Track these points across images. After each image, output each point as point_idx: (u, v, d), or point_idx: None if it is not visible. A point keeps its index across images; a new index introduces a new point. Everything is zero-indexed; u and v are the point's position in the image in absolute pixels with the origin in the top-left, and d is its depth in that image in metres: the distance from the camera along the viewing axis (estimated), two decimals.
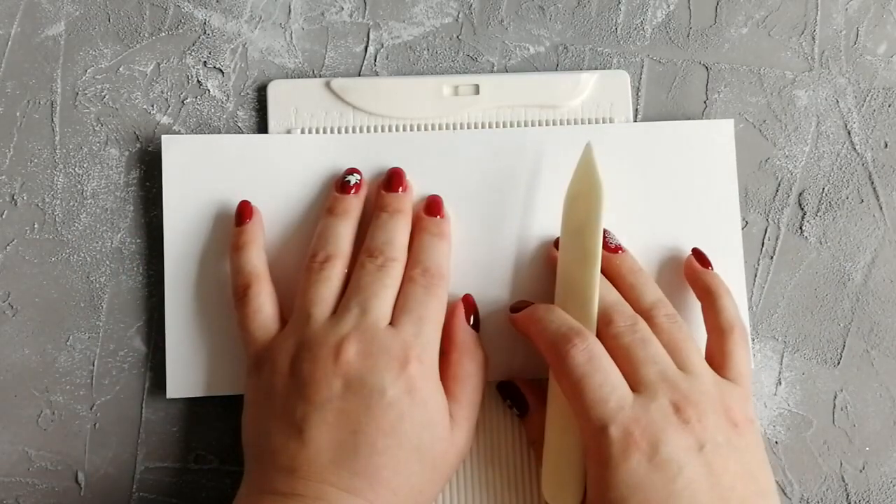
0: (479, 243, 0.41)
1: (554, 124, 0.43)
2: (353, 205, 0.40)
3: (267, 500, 0.34)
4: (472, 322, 0.40)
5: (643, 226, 0.42)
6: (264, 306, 0.38)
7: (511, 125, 0.43)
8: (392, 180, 0.41)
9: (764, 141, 0.44)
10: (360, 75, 0.44)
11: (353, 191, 0.40)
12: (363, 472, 0.34)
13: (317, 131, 0.43)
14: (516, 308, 0.39)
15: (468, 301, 0.40)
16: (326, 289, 0.38)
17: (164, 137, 0.42)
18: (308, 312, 0.37)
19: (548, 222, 0.42)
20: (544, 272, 0.41)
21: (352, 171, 0.41)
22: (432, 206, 0.41)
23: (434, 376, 0.36)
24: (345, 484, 0.34)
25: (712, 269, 0.41)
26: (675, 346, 0.37)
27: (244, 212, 0.40)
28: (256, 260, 0.40)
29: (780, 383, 0.42)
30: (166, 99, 0.43)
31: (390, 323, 0.37)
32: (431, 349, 0.37)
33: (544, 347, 0.37)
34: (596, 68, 0.44)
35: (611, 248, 0.40)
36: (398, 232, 0.39)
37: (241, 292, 0.39)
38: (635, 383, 0.35)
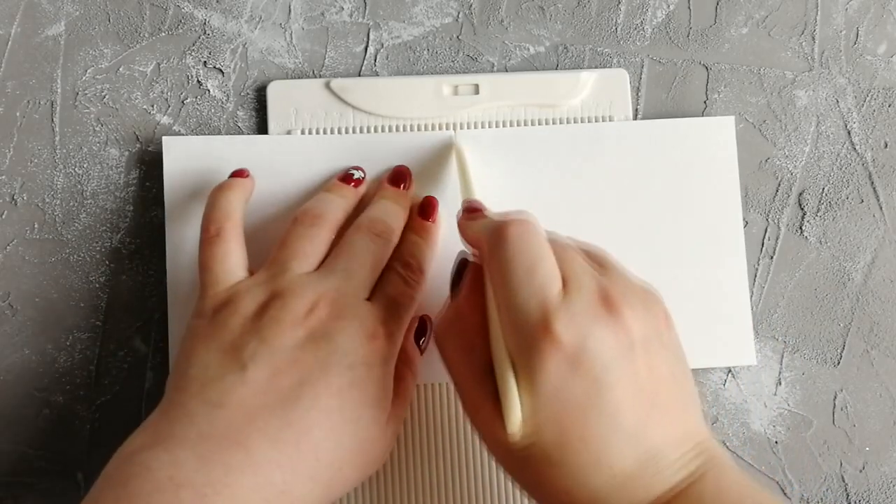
0: None
1: (554, 123, 0.43)
2: (352, 193, 0.40)
3: (175, 446, 0.31)
4: (421, 343, 0.39)
5: (644, 224, 0.42)
6: (235, 251, 0.37)
7: (511, 125, 0.43)
8: (397, 176, 0.41)
9: (764, 141, 0.44)
10: (360, 75, 0.44)
11: (354, 184, 0.41)
12: (297, 423, 0.32)
13: (317, 131, 0.43)
14: (470, 211, 0.36)
15: (423, 322, 0.39)
16: (311, 246, 0.37)
17: (164, 138, 0.42)
18: (287, 265, 0.36)
19: (547, 221, 0.42)
20: None
21: (357, 167, 0.41)
22: (426, 209, 0.41)
23: (392, 362, 0.36)
24: (271, 433, 0.32)
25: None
26: (587, 250, 0.34)
27: (240, 171, 0.40)
28: (237, 204, 0.38)
29: (780, 383, 0.42)
30: (166, 99, 0.43)
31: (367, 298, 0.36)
32: (397, 337, 0.36)
33: (484, 237, 0.33)
34: (596, 68, 0.44)
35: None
36: (397, 217, 0.39)
37: (213, 231, 0.37)
38: (562, 276, 0.32)
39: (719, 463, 0.31)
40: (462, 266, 0.36)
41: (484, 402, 0.32)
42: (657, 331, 0.32)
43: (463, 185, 0.40)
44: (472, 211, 0.36)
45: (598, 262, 0.34)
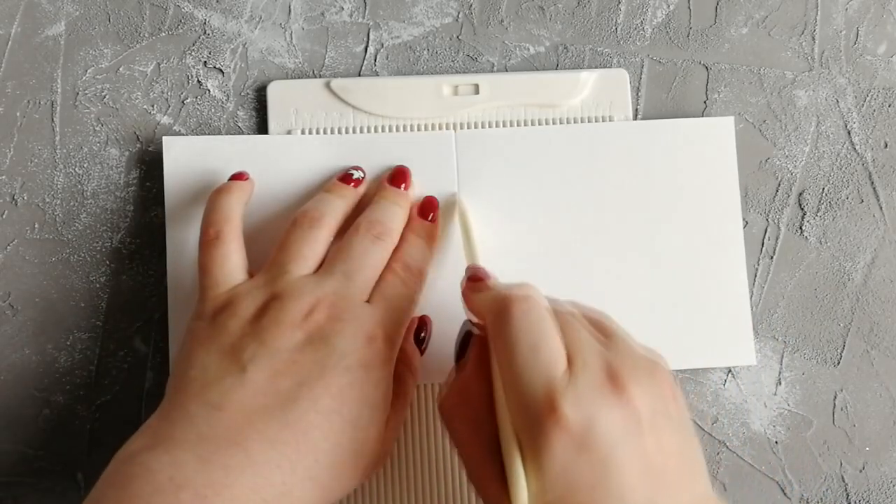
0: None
1: (554, 123, 0.43)
2: (351, 193, 0.40)
3: (175, 447, 0.31)
4: (421, 345, 0.39)
5: (644, 224, 0.42)
6: (234, 254, 0.37)
7: (511, 124, 0.43)
8: (397, 176, 0.41)
9: (764, 141, 0.44)
10: (360, 75, 0.44)
11: (353, 184, 0.41)
12: (295, 424, 0.32)
13: (317, 132, 0.43)
14: (474, 279, 0.36)
15: (422, 322, 0.40)
16: (310, 249, 0.37)
17: (164, 138, 0.42)
18: (286, 268, 0.36)
19: (547, 221, 0.42)
20: (541, 271, 0.41)
21: (357, 167, 0.41)
22: (426, 209, 0.41)
23: (391, 364, 0.36)
24: (271, 434, 0.32)
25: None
26: (590, 317, 0.34)
27: (240, 174, 0.40)
28: (237, 206, 0.39)
29: (780, 383, 0.42)
30: (166, 99, 0.43)
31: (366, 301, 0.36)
32: (397, 339, 0.36)
33: (487, 311, 0.33)
34: (596, 68, 0.44)
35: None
36: (396, 218, 0.39)
37: (212, 233, 0.37)
38: (567, 352, 0.31)
39: None
40: (466, 337, 0.35)
41: (491, 481, 0.32)
42: (664, 404, 0.31)
43: (467, 247, 0.39)
44: (475, 280, 0.35)
45: (602, 330, 0.33)
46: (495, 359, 0.33)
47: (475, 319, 0.35)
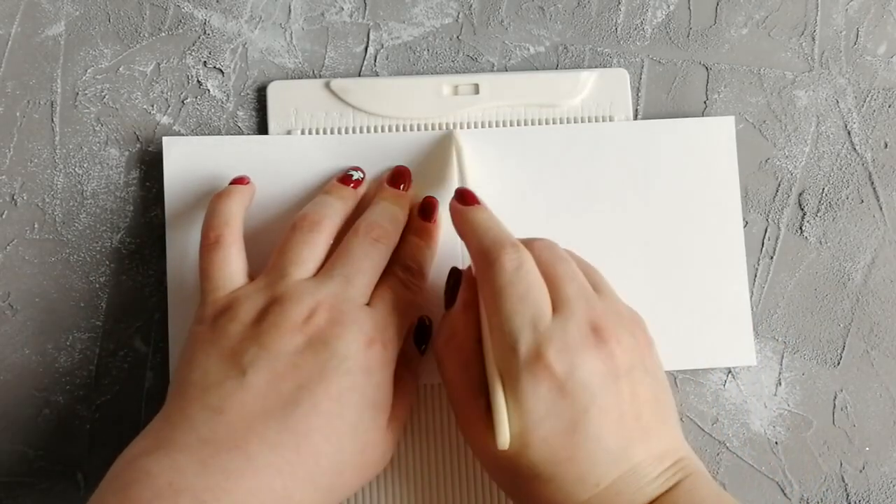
0: None
1: (554, 123, 0.43)
2: (351, 194, 0.40)
3: (176, 451, 0.31)
4: (422, 345, 0.40)
5: (644, 224, 0.42)
6: (234, 257, 0.37)
7: (511, 124, 0.43)
8: (397, 177, 0.41)
9: (764, 141, 0.44)
10: (360, 76, 0.44)
11: (353, 185, 0.41)
12: (295, 427, 0.32)
13: (317, 132, 0.43)
14: (463, 200, 0.37)
15: (423, 324, 0.40)
16: (310, 252, 0.37)
17: (164, 139, 0.42)
18: (286, 271, 0.36)
19: (547, 221, 0.42)
20: None
21: (356, 168, 0.41)
22: (426, 210, 0.41)
23: (391, 366, 0.36)
24: (271, 437, 0.32)
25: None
26: (584, 267, 0.36)
27: (240, 178, 0.40)
28: (237, 210, 0.39)
29: (780, 383, 0.42)
30: (166, 99, 0.43)
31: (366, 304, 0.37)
32: (397, 341, 0.36)
33: (475, 251, 0.35)
34: (596, 68, 0.44)
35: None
36: (396, 219, 0.39)
37: (212, 237, 0.37)
38: (555, 301, 0.34)
39: (696, 476, 0.33)
40: (455, 283, 0.37)
41: (477, 419, 0.34)
42: (641, 357, 0.34)
43: (460, 179, 0.40)
44: (465, 199, 0.37)
45: (592, 282, 0.35)
46: (483, 304, 0.35)
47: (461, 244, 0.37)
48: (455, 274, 0.38)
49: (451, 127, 0.43)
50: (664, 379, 0.35)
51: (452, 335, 0.36)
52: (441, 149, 0.42)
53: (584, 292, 0.34)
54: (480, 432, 0.34)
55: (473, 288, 0.36)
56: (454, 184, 0.42)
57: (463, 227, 0.36)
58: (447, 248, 0.41)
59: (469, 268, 0.37)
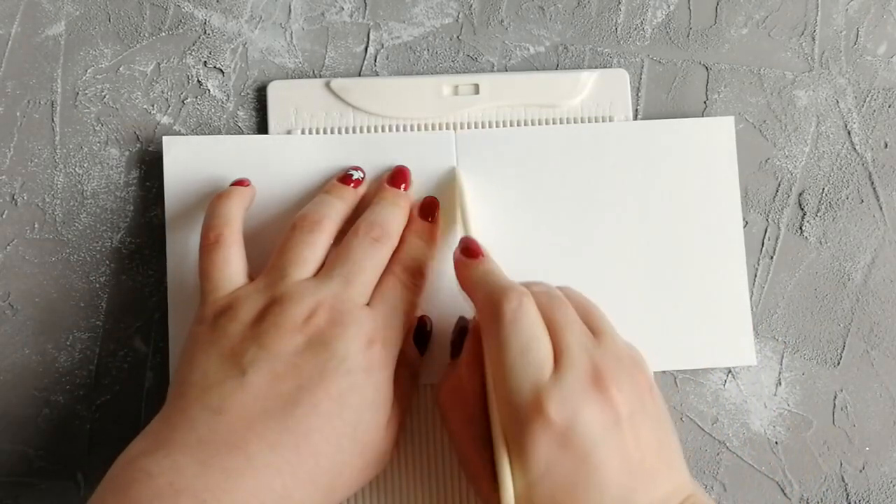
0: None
1: (554, 123, 0.43)
2: (351, 194, 0.40)
3: (176, 451, 0.31)
4: (422, 346, 0.40)
5: (643, 224, 0.42)
6: (234, 258, 0.37)
7: (511, 124, 0.43)
8: (397, 176, 0.41)
9: (764, 141, 0.44)
10: (360, 75, 0.44)
11: (353, 185, 0.40)
12: (295, 428, 0.32)
13: (317, 131, 0.43)
14: (467, 253, 0.37)
15: (423, 324, 0.40)
16: (310, 252, 0.37)
17: (164, 138, 0.42)
18: (286, 272, 0.36)
19: (547, 221, 0.42)
20: (541, 271, 0.41)
21: (356, 168, 0.41)
22: (426, 209, 0.41)
23: (391, 367, 0.36)
24: (271, 437, 0.32)
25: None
26: (583, 310, 0.35)
27: (241, 180, 0.40)
28: (237, 211, 0.39)
29: (780, 383, 0.42)
30: (166, 99, 0.43)
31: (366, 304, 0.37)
32: (396, 341, 0.37)
33: (479, 303, 0.35)
34: (596, 68, 0.44)
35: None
36: (396, 219, 0.39)
37: (212, 238, 0.37)
38: (555, 350, 0.33)
39: None
40: (461, 332, 0.37)
41: (483, 472, 0.34)
42: (641, 401, 0.33)
43: (462, 221, 0.40)
44: (470, 254, 0.37)
45: (591, 326, 0.35)
46: (486, 355, 0.35)
47: (464, 295, 0.37)
48: (462, 323, 0.38)
49: (451, 127, 0.43)
50: (667, 419, 0.35)
51: (457, 387, 0.36)
52: (441, 149, 0.42)
53: (583, 340, 0.34)
54: (486, 486, 0.34)
55: (478, 339, 0.36)
56: (455, 184, 0.42)
57: (466, 282, 0.36)
58: (447, 249, 0.41)
59: (475, 319, 0.37)
